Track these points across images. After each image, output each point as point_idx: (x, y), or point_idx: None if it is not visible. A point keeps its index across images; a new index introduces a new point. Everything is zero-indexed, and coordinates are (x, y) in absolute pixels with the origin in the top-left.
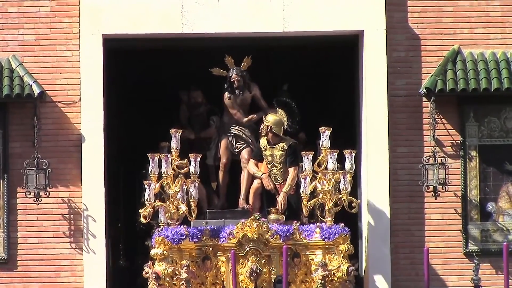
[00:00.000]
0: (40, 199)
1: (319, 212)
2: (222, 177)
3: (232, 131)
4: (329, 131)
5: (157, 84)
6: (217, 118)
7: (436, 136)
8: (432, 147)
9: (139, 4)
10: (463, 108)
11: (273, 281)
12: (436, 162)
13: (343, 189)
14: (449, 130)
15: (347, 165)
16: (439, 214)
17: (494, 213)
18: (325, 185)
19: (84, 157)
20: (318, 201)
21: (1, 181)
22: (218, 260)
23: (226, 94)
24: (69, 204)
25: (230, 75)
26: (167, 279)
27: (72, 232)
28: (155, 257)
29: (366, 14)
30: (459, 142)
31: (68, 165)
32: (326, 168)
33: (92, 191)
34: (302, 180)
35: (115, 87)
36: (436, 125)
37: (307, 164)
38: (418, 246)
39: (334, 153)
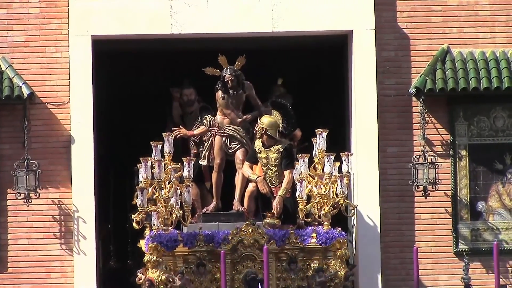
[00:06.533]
0: (30, 200)
1: (317, 213)
2: (216, 178)
3: (226, 131)
4: (326, 133)
5: (147, 85)
6: (210, 117)
7: (426, 136)
8: (422, 147)
9: (128, 5)
10: (453, 107)
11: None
12: (426, 162)
13: (340, 193)
14: (438, 130)
15: (344, 167)
16: (429, 214)
17: (484, 212)
18: (321, 189)
19: (74, 158)
20: (315, 205)
21: None
22: (213, 266)
23: (220, 94)
24: (59, 205)
25: (224, 74)
26: (161, 287)
27: (62, 233)
28: (148, 264)
29: (355, 14)
30: (448, 141)
31: (58, 166)
32: (322, 171)
33: (82, 192)
34: (298, 184)
35: (105, 88)
36: (426, 124)
37: (303, 167)
38: (408, 245)
39: (331, 156)
